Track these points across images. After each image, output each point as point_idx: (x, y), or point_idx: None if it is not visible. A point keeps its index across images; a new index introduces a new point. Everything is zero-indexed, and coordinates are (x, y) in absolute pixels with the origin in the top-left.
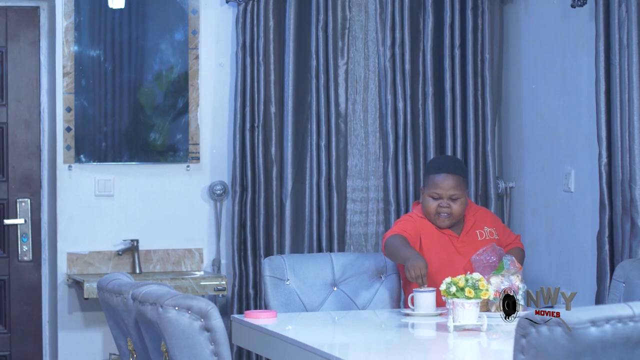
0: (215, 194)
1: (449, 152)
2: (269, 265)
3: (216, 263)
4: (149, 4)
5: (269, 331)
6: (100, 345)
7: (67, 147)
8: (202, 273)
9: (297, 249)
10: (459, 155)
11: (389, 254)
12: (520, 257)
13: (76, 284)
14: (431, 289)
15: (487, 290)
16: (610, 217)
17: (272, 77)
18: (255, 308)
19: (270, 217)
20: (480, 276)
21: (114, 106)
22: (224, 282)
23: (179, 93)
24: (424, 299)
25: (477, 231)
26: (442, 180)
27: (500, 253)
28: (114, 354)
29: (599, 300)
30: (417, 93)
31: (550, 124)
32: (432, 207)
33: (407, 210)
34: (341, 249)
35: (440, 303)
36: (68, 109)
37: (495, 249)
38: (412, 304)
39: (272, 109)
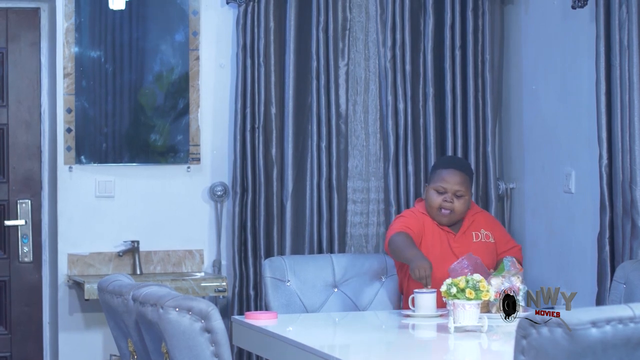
0: (216, 195)
1: (450, 153)
2: (269, 266)
3: (217, 264)
4: (149, 5)
5: (269, 332)
6: (101, 346)
7: (68, 148)
8: (202, 274)
9: (297, 250)
10: (459, 156)
11: (393, 252)
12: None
13: (77, 285)
14: (432, 290)
15: (487, 291)
16: (611, 218)
17: (273, 78)
18: (256, 309)
19: (270, 218)
20: (481, 277)
21: (115, 107)
22: (224, 283)
23: (179, 94)
24: (425, 300)
25: (473, 232)
26: (449, 175)
27: (476, 261)
28: (115, 355)
29: (600, 301)
30: (418, 94)
31: (551, 124)
32: (436, 201)
33: None
34: (342, 250)
35: (440, 304)
36: (68, 110)
37: (472, 258)
38: (413, 305)
39: (273, 110)
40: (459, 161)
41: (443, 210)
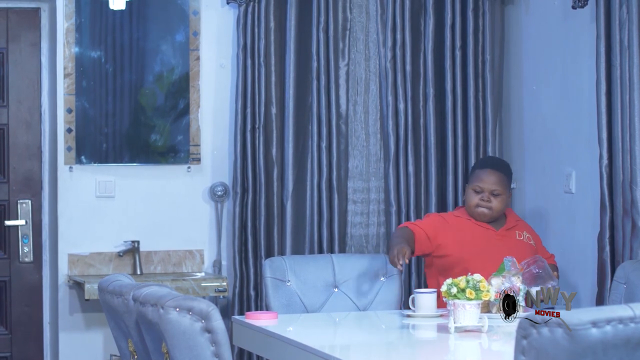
0: (216, 195)
1: (450, 154)
2: (269, 267)
3: (217, 264)
4: (149, 5)
5: (269, 332)
6: (101, 346)
7: (68, 148)
8: (203, 274)
9: (297, 250)
10: (460, 156)
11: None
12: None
13: (77, 285)
14: (432, 290)
15: (487, 291)
16: (611, 218)
17: (273, 79)
18: (256, 309)
19: (271, 218)
20: (481, 277)
21: (115, 107)
22: (224, 283)
23: (179, 94)
24: (425, 300)
25: (517, 231)
26: (486, 175)
27: (542, 263)
28: (115, 355)
29: (600, 301)
30: (418, 94)
31: (551, 125)
32: (474, 200)
33: (407, 212)
34: (342, 250)
35: (441, 304)
36: (69, 110)
37: (536, 258)
38: (413, 305)
39: (273, 110)
40: (496, 161)
41: (480, 209)
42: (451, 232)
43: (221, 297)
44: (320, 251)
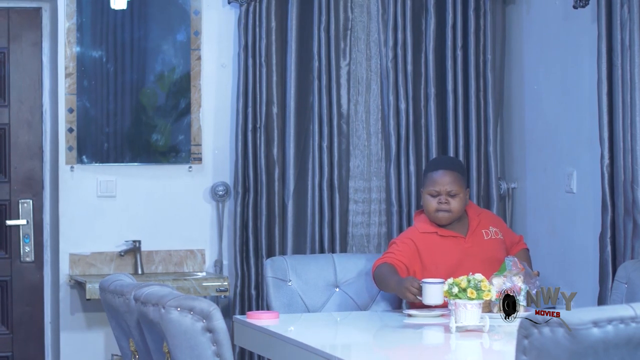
0: (217, 195)
1: (451, 153)
2: (271, 266)
3: (218, 264)
4: (151, 5)
5: (271, 332)
6: (103, 346)
7: (69, 148)
8: (204, 274)
9: (299, 249)
10: (461, 156)
11: (379, 284)
12: (529, 259)
13: (78, 285)
14: (440, 280)
15: (489, 291)
16: (613, 218)
17: (274, 78)
18: (257, 309)
19: (272, 218)
20: (483, 277)
21: (116, 107)
22: (226, 283)
23: (181, 94)
24: (433, 289)
25: (483, 230)
26: (439, 177)
27: (529, 278)
28: (116, 355)
29: (601, 301)
30: (419, 94)
31: (552, 124)
32: (432, 205)
33: (408, 212)
34: (343, 249)
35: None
36: (70, 110)
37: (529, 274)
38: (420, 295)
39: (274, 110)
40: (448, 161)
41: (440, 213)
42: (424, 257)
43: (222, 296)
44: (322, 251)
